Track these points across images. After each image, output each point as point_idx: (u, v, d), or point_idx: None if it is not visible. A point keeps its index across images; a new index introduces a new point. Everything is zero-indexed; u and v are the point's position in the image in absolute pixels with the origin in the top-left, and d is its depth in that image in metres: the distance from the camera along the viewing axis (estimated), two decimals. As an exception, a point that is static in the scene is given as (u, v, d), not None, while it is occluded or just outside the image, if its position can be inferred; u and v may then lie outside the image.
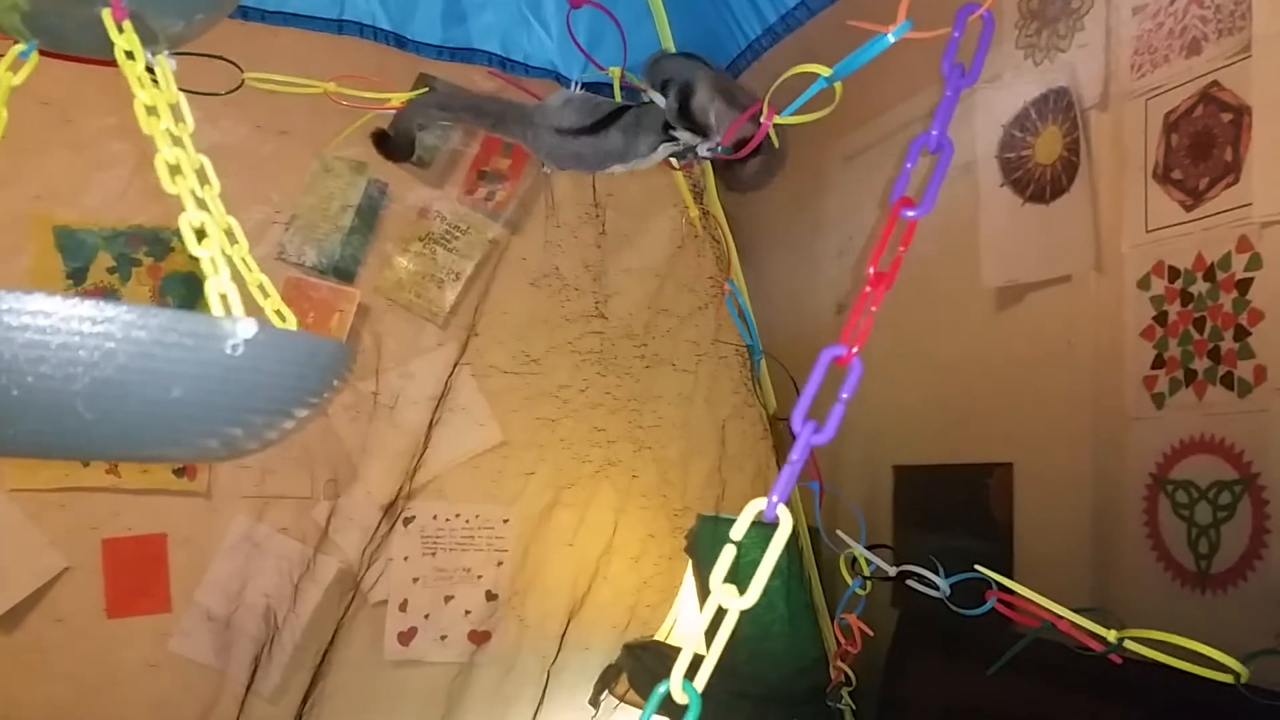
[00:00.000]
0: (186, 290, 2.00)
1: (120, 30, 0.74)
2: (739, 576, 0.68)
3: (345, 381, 0.74)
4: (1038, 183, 1.50)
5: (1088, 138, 1.41)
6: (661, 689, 0.67)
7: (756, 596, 0.66)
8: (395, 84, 1.63)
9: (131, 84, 0.75)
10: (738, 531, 0.68)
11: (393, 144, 1.60)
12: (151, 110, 0.76)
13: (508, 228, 2.22)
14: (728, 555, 0.67)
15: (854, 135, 1.90)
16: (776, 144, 1.54)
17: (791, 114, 1.27)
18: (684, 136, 1.55)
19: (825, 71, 1.13)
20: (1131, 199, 1.35)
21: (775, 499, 0.67)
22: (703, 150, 1.57)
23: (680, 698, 0.67)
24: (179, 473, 2.04)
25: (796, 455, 0.70)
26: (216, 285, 0.72)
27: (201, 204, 0.75)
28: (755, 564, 0.67)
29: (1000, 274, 1.58)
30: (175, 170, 0.75)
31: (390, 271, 2.15)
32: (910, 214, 0.83)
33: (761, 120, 1.31)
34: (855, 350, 0.74)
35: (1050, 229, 1.48)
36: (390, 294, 2.15)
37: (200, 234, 0.72)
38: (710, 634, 0.68)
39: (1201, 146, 1.25)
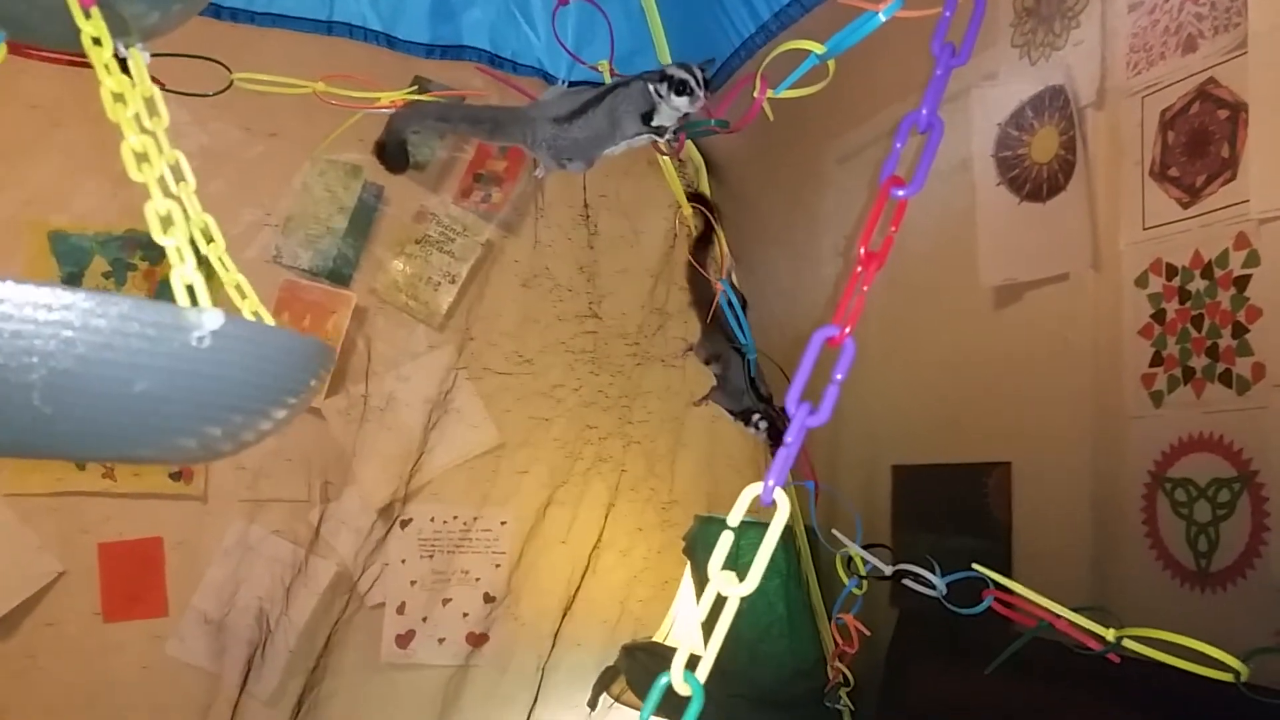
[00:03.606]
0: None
1: (87, 16, 0.72)
2: (737, 573, 0.67)
3: (323, 381, 0.71)
4: (1034, 181, 1.49)
5: (1084, 136, 1.41)
6: (663, 680, 0.65)
7: (756, 583, 0.65)
8: (386, 84, 1.62)
9: (98, 71, 0.73)
10: (735, 517, 0.67)
11: (386, 153, 1.60)
12: (118, 97, 0.74)
13: (502, 229, 2.22)
14: (725, 542, 0.66)
15: (849, 136, 1.89)
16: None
17: (785, 90, 1.26)
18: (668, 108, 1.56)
19: (818, 48, 1.12)
20: (1128, 197, 1.34)
21: (771, 483, 0.66)
22: (694, 105, 1.57)
23: (682, 689, 0.65)
24: (175, 476, 2.04)
25: (792, 437, 0.68)
26: (181, 275, 0.69)
27: (175, 198, 0.73)
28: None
29: (998, 273, 1.57)
30: (142, 158, 0.73)
31: (385, 274, 2.15)
32: (900, 193, 0.81)
33: (755, 95, 1.31)
34: (848, 330, 0.73)
35: (1047, 227, 1.47)
36: (386, 297, 2.15)
37: (167, 222, 0.70)
38: (710, 624, 0.67)
39: (1198, 144, 1.25)
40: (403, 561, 2.17)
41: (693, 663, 0.65)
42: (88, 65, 0.76)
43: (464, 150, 2.20)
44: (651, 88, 1.53)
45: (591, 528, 2.26)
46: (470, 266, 2.19)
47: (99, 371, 0.56)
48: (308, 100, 1.55)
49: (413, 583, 2.17)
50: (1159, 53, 1.30)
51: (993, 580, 1.12)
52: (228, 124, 1.99)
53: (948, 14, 0.89)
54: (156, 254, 2.09)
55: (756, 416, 1.83)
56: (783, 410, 1.81)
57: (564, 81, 1.69)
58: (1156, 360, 1.31)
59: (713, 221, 1.94)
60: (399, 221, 2.16)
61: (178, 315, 0.58)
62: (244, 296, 0.79)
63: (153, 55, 0.86)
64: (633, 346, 2.31)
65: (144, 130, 0.74)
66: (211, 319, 0.58)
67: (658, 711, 0.67)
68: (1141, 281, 1.33)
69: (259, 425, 0.67)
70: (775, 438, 1.86)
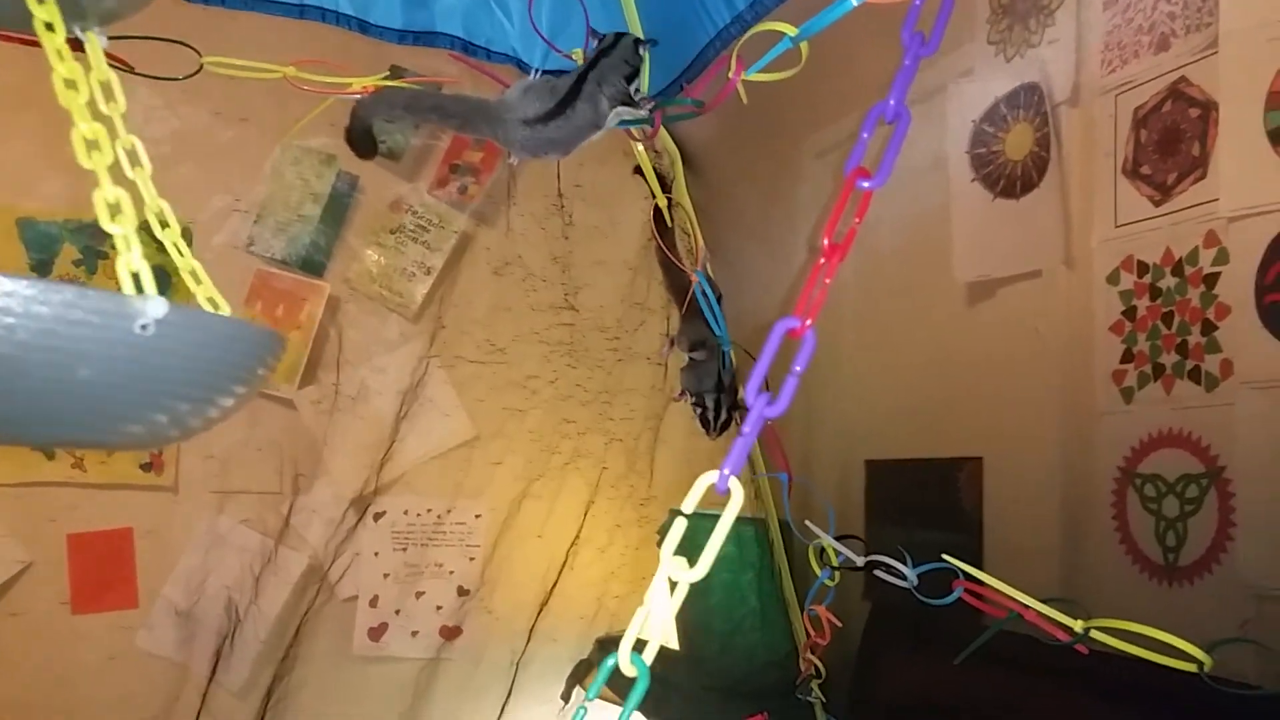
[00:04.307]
0: (155, 282, 1.97)
1: (40, 1, 0.71)
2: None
3: (271, 369, 0.71)
4: (1008, 178, 1.50)
5: (1058, 133, 1.42)
6: (610, 662, 0.66)
7: (706, 569, 0.65)
8: (358, 69, 1.61)
9: (50, 57, 0.72)
10: (689, 504, 0.68)
11: (353, 139, 1.59)
12: (70, 84, 0.73)
13: (475, 219, 2.20)
14: (678, 528, 0.67)
15: (827, 131, 1.89)
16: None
17: (760, 73, 1.26)
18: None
19: (791, 30, 1.13)
20: (1101, 194, 1.35)
21: (726, 471, 0.67)
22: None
23: (629, 670, 0.66)
24: (145, 467, 2.02)
25: (749, 427, 0.69)
26: (127, 262, 0.69)
27: (129, 182, 0.73)
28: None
29: (971, 269, 1.58)
30: (93, 145, 0.72)
31: (360, 265, 2.13)
32: (866, 184, 0.82)
33: (730, 75, 1.31)
34: (809, 322, 0.73)
35: (1021, 224, 1.48)
36: (360, 287, 2.13)
37: (115, 210, 0.70)
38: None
39: (1170, 142, 1.26)
40: (375, 554, 2.15)
41: (640, 646, 0.66)
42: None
43: (440, 139, 2.18)
44: (640, 48, 1.55)
45: (568, 522, 2.25)
46: (445, 257, 2.17)
47: (41, 358, 0.56)
48: (279, 85, 1.53)
49: (386, 575, 2.16)
50: (1132, 51, 1.31)
51: (962, 571, 1.13)
52: (197, 108, 1.96)
53: (918, 2, 0.89)
54: (129, 242, 2.07)
55: (692, 400, 1.86)
56: (724, 406, 1.85)
57: (537, 71, 1.68)
58: (1127, 357, 1.32)
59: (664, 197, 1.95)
60: (374, 211, 2.14)
61: (121, 303, 0.59)
62: (199, 282, 0.79)
63: (123, 38, 0.85)
64: (613, 341, 2.29)
65: (100, 116, 0.73)
66: (155, 307, 0.58)
67: (625, 702, 0.67)
68: (1113, 278, 1.34)
69: (206, 412, 0.67)
70: (704, 426, 1.90)
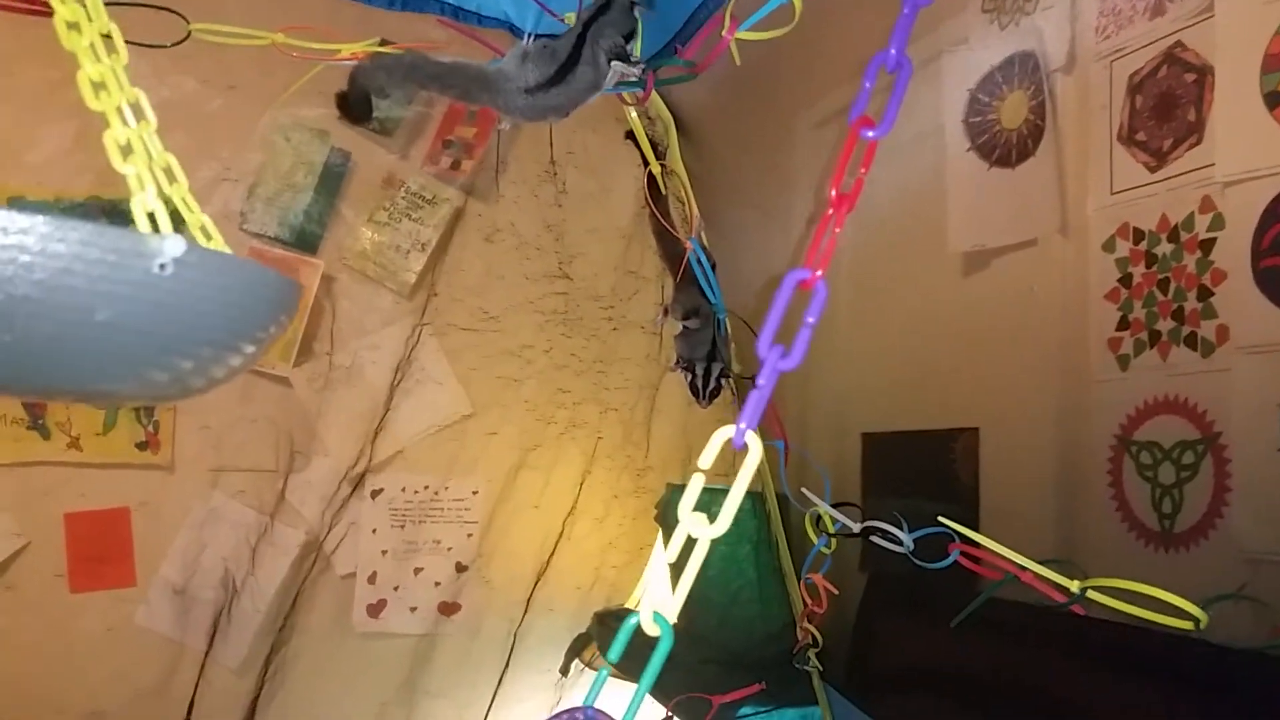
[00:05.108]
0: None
1: (35, -54, 0.71)
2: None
3: (291, 318, 0.71)
4: (1003, 147, 1.49)
5: (1053, 101, 1.41)
6: (632, 621, 0.65)
7: (726, 526, 0.65)
8: (347, 35, 1.59)
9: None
10: (706, 459, 0.67)
11: (350, 104, 1.57)
12: (73, 25, 0.72)
13: (464, 191, 2.19)
14: (696, 484, 0.66)
15: (823, 102, 1.88)
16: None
17: (753, 31, 1.26)
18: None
19: None
20: (1096, 161, 1.35)
21: (743, 425, 0.66)
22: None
23: (651, 629, 0.65)
24: (141, 446, 2.02)
25: (764, 380, 0.68)
26: (142, 202, 0.68)
27: (134, 132, 0.72)
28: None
29: (967, 239, 1.57)
30: (99, 86, 0.71)
31: (354, 241, 2.12)
32: (870, 134, 0.81)
33: (724, 34, 1.30)
34: (819, 273, 0.73)
35: (1016, 193, 1.47)
36: (355, 264, 2.12)
37: (126, 150, 0.69)
38: (680, 567, 0.67)
39: (1165, 107, 1.25)
40: (374, 531, 2.16)
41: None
42: (40, 13, 0.74)
43: (432, 110, 2.16)
44: (635, 9, 1.53)
45: (565, 493, 2.25)
46: (440, 233, 2.16)
47: (59, 299, 0.55)
48: (266, 52, 1.51)
49: (384, 552, 2.17)
50: (1127, 16, 1.30)
51: (958, 535, 1.13)
52: (184, 76, 1.93)
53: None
54: (121, 223, 2.05)
55: (683, 367, 1.86)
56: (714, 374, 1.84)
57: (529, 35, 1.66)
58: (1123, 324, 1.32)
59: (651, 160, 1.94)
60: (367, 188, 2.13)
61: (138, 241, 0.58)
62: (209, 238, 0.78)
63: (110, 3, 0.84)
64: (607, 310, 2.29)
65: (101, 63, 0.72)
66: (173, 245, 0.57)
67: (625, 671, 0.67)
68: (1109, 246, 1.34)
69: (229, 360, 0.66)
70: (694, 393, 1.90)
